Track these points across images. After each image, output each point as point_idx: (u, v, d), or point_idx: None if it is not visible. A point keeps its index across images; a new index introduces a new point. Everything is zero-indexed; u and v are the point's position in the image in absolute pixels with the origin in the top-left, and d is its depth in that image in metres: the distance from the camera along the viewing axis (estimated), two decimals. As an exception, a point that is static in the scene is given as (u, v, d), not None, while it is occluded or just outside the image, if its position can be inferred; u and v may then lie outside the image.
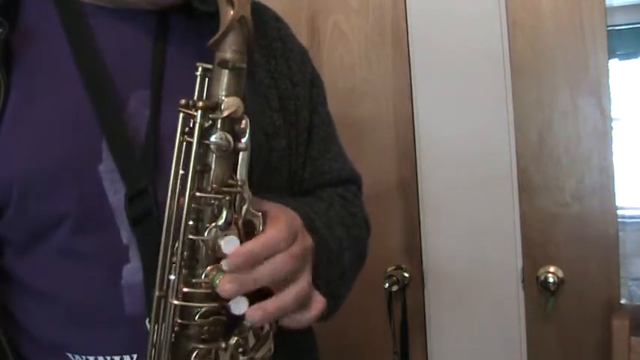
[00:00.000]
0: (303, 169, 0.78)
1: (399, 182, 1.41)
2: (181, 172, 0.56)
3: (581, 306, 1.32)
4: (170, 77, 0.66)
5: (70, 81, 0.63)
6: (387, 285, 1.38)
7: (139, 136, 0.63)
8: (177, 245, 0.55)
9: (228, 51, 0.55)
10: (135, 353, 0.63)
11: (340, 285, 0.71)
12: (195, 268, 0.55)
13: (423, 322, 1.40)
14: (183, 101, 0.55)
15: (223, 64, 0.55)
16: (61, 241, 0.63)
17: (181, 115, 0.56)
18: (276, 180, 0.72)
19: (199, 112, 0.54)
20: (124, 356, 0.64)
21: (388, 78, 1.40)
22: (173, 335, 0.56)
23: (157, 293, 0.56)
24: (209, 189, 0.55)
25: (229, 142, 0.55)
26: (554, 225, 1.33)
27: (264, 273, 0.55)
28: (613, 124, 1.32)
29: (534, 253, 1.33)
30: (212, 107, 0.55)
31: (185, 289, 0.55)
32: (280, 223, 0.57)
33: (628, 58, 3.12)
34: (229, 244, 0.54)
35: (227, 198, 0.55)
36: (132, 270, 0.63)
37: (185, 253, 0.55)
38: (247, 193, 0.56)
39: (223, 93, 0.55)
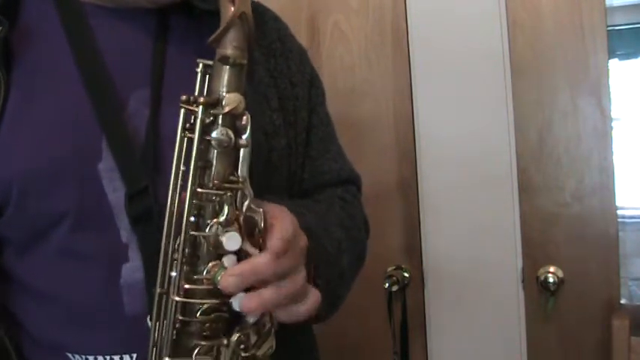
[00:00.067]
0: (302, 169, 0.78)
1: (399, 182, 1.41)
2: (182, 168, 0.56)
3: (581, 306, 1.32)
4: (170, 77, 0.66)
5: (69, 80, 0.63)
6: (387, 285, 1.38)
7: (138, 136, 0.64)
8: (178, 242, 0.55)
9: (229, 47, 0.55)
10: (134, 353, 0.63)
11: (340, 285, 0.71)
12: (196, 264, 0.55)
13: (423, 322, 1.40)
14: (184, 97, 0.55)
15: (224, 60, 0.55)
16: (60, 240, 0.63)
17: (182, 111, 0.56)
18: (276, 180, 0.72)
19: (200, 107, 0.55)
20: (124, 356, 0.64)
21: (388, 78, 1.40)
22: (174, 332, 0.56)
23: (158, 290, 0.56)
24: (210, 185, 0.55)
25: (230, 138, 0.55)
26: (554, 225, 1.33)
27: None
28: (613, 124, 1.32)
29: (534, 253, 1.33)
30: (213, 103, 0.55)
31: (187, 286, 0.55)
32: (285, 222, 0.57)
33: (628, 58, 3.12)
34: (231, 241, 0.54)
35: (228, 194, 0.55)
36: (131, 269, 0.63)
37: (186, 249, 0.55)
38: (248, 190, 0.56)
39: (224, 89, 0.55)
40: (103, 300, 0.64)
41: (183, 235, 0.54)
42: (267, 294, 0.55)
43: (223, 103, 0.55)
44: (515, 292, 1.33)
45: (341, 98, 1.41)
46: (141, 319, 0.60)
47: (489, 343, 1.36)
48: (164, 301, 0.56)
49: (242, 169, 0.56)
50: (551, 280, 1.31)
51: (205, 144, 0.55)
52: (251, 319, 0.56)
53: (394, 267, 1.41)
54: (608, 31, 1.29)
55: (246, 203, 0.55)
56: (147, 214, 0.62)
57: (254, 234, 0.56)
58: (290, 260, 0.56)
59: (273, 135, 0.72)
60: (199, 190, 0.55)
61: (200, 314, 0.55)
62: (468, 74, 1.33)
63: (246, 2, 0.55)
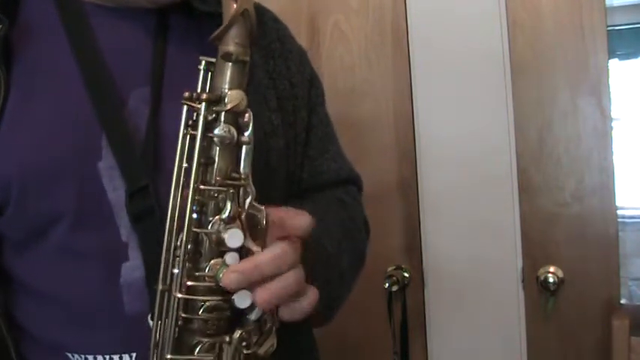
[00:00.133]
0: (302, 168, 0.78)
1: (399, 182, 1.41)
2: (185, 165, 0.56)
3: (581, 306, 1.32)
4: (170, 75, 0.66)
5: (70, 79, 0.63)
6: (387, 285, 1.38)
7: (139, 134, 0.64)
8: (180, 238, 0.55)
9: (232, 44, 0.55)
10: (134, 352, 0.63)
11: (340, 287, 0.71)
12: (198, 261, 0.55)
13: (423, 322, 1.40)
14: (186, 94, 0.55)
15: (226, 57, 0.55)
16: (60, 239, 0.63)
17: (185, 108, 0.56)
18: (275, 180, 0.72)
19: (203, 104, 0.54)
20: (123, 355, 0.64)
21: (388, 78, 1.40)
22: (176, 329, 0.55)
23: (160, 287, 0.56)
24: (213, 182, 0.54)
25: (233, 135, 0.55)
26: (554, 225, 1.33)
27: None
28: (613, 124, 1.32)
29: (534, 253, 1.33)
30: (215, 100, 0.55)
31: (189, 283, 0.55)
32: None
33: (628, 58, 3.12)
34: (233, 238, 0.54)
35: (231, 191, 0.55)
36: (131, 268, 0.63)
37: (189, 246, 0.55)
38: (251, 187, 0.55)
39: (226, 86, 0.55)
40: (102, 299, 0.64)
41: (185, 231, 0.54)
42: (275, 285, 0.55)
43: (226, 100, 0.54)
44: (515, 292, 1.33)
45: (341, 98, 1.41)
46: (141, 318, 0.60)
47: (489, 343, 1.36)
48: (166, 298, 0.56)
49: (244, 166, 0.56)
50: (551, 280, 1.31)
51: (208, 141, 0.55)
52: (253, 317, 0.56)
53: (394, 267, 1.41)
54: (608, 31, 1.29)
55: (248, 200, 0.55)
56: (147, 212, 0.62)
57: (256, 231, 0.56)
58: (291, 257, 0.56)
59: (272, 135, 0.72)
60: (202, 186, 0.55)
61: (202, 311, 0.55)
62: (468, 74, 1.33)
63: (249, 0, 0.56)
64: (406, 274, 1.40)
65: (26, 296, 0.66)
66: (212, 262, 0.55)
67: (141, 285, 0.63)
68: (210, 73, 0.57)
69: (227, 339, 0.56)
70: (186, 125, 0.56)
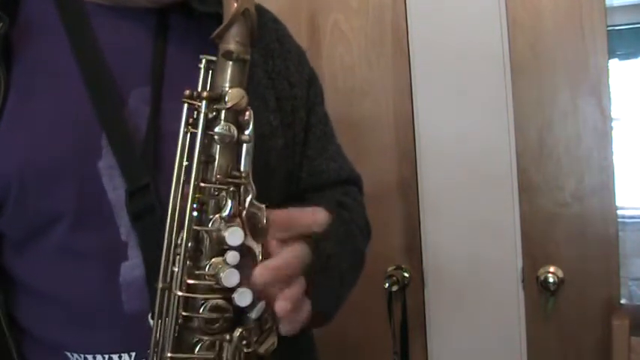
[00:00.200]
0: (300, 168, 0.78)
1: (399, 182, 1.41)
2: (185, 163, 0.56)
3: (581, 306, 1.32)
4: (170, 75, 0.66)
5: (70, 78, 0.64)
6: (387, 285, 1.38)
7: (139, 133, 0.64)
8: (181, 236, 0.55)
9: (232, 42, 0.55)
10: (133, 351, 0.63)
11: (339, 288, 0.71)
12: (199, 259, 0.55)
13: (423, 322, 1.40)
14: (187, 92, 0.55)
15: (227, 55, 0.55)
16: (59, 239, 0.63)
17: (185, 106, 0.56)
18: (274, 180, 0.72)
19: (204, 102, 0.55)
20: (123, 354, 0.64)
21: (388, 78, 1.40)
22: (177, 328, 0.55)
23: (160, 285, 0.56)
24: (213, 180, 0.55)
25: (233, 133, 0.55)
26: (554, 225, 1.33)
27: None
28: (613, 124, 1.32)
29: (534, 253, 1.33)
30: (216, 98, 0.55)
31: (189, 281, 0.55)
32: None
33: (628, 58, 3.12)
34: (233, 236, 0.54)
35: (231, 189, 0.55)
36: (130, 267, 0.63)
37: (189, 244, 0.55)
38: (251, 185, 0.56)
39: (227, 84, 0.55)
40: (102, 299, 0.64)
41: (185, 229, 0.54)
42: (295, 291, 0.56)
43: (226, 98, 0.55)
44: (515, 292, 1.33)
45: (341, 98, 1.41)
46: (140, 318, 0.60)
47: (489, 343, 1.35)
48: (166, 296, 0.56)
49: (245, 164, 0.56)
50: (551, 280, 1.31)
51: (208, 139, 0.55)
52: (253, 315, 0.56)
53: (394, 267, 1.41)
54: (608, 31, 1.29)
55: (248, 198, 0.55)
56: (148, 211, 0.62)
57: (257, 229, 0.56)
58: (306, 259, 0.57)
59: (271, 136, 0.72)
60: (202, 184, 0.55)
61: (203, 310, 0.55)
62: (468, 74, 1.33)
63: None
64: (406, 274, 1.40)
65: (26, 296, 0.66)
66: (213, 260, 0.55)
67: (140, 284, 0.63)
68: (210, 72, 0.57)
69: (227, 337, 0.56)
70: (187, 123, 0.56)
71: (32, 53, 0.64)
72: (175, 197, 0.56)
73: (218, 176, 0.55)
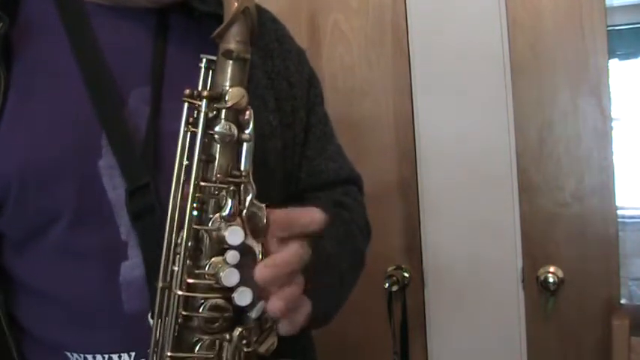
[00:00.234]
0: (300, 168, 0.78)
1: (399, 182, 1.41)
2: (185, 162, 0.56)
3: (581, 306, 1.32)
4: (170, 75, 0.66)
5: (70, 78, 0.64)
6: (387, 285, 1.38)
7: (139, 133, 0.64)
8: (181, 236, 0.55)
9: (233, 42, 0.55)
10: (133, 351, 0.63)
11: (339, 288, 0.71)
12: (199, 258, 0.55)
13: (423, 322, 1.40)
14: (187, 91, 0.55)
15: (227, 54, 0.55)
16: (59, 238, 0.63)
17: (186, 105, 0.56)
18: (273, 181, 0.72)
19: (204, 101, 0.55)
20: (122, 354, 0.64)
21: (388, 78, 1.40)
22: (177, 327, 0.55)
23: (160, 284, 0.56)
24: (213, 179, 0.55)
25: (233, 133, 0.55)
26: (554, 225, 1.33)
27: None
28: (613, 124, 1.32)
29: (534, 253, 1.33)
30: (216, 97, 0.55)
31: (189, 280, 0.55)
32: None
33: (628, 58, 3.12)
34: (233, 235, 0.54)
35: (231, 188, 0.55)
36: (130, 267, 0.63)
37: (189, 243, 0.55)
38: (251, 184, 0.56)
39: (227, 83, 0.55)
40: (101, 298, 0.64)
41: (185, 229, 0.54)
42: (295, 290, 0.55)
43: (226, 97, 0.55)
44: (515, 292, 1.33)
45: (341, 98, 1.41)
46: (140, 317, 0.60)
47: (489, 343, 1.35)
48: (166, 295, 0.56)
49: (245, 164, 0.56)
50: (551, 280, 1.31)
51: (208, 138, 0.55)
52: (253, 315, 0.56)
53: (394, 267, 1.41)
54: (608, 31, 1.29)
55: (249, 198, 0.55)
56: (148, 211, 0.62)
57: (257, 229, 0.56)
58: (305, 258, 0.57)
59: (270, 136, 0.72)
60: (202, 183, 0.55)
61: (202, 309, 0.55)
62: (468, 74, 1.33)
63: None
64: (406, 274, 1.40)
65: (26, 296, 0.66)
66: (213, 259, 0.55)
67: (140, 284, 0.63)
68: (211, 71, 0.57)
69: (227, 337, 0.56)
70: (187, 122, 0.56)
71: (32, 53, 0.64)
72: (175, 197, 0.56)
73: (218, 175, 0.55)
